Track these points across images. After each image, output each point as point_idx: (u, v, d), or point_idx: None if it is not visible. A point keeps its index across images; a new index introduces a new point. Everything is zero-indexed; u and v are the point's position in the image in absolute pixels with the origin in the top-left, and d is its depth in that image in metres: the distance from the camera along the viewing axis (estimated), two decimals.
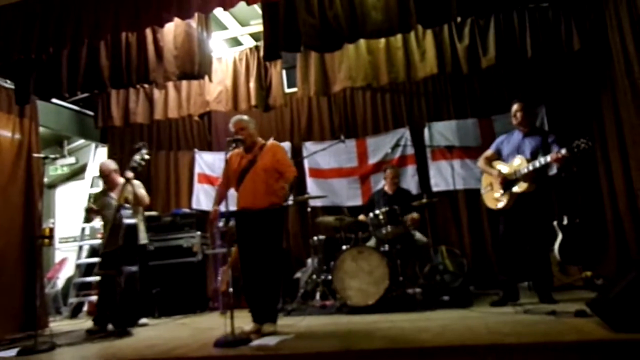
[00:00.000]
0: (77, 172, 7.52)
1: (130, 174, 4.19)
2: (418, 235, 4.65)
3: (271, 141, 3.58)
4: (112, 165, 4.64)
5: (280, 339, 2.93)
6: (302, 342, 2.88)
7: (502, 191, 3.88)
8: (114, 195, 4.45)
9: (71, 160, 7.53)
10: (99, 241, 5.91)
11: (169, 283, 5.17)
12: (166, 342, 3.23)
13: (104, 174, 4.57)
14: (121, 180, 4.32)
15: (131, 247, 4.08)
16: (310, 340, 2.92)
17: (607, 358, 2.21)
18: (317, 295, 4.76)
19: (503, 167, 3.94)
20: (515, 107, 3.97)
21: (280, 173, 3.40)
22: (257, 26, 5.17)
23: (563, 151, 3.52)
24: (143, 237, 4.58)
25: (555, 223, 4.53)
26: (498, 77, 5.45)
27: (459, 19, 4.41)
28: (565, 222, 4.51)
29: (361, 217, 4.92)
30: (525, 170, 3.73)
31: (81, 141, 7.29)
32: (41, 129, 5.47)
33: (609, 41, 4.06)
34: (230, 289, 3.10)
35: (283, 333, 3.16)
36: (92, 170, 6.94)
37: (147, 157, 4.24)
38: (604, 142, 4.71)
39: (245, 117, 3.59)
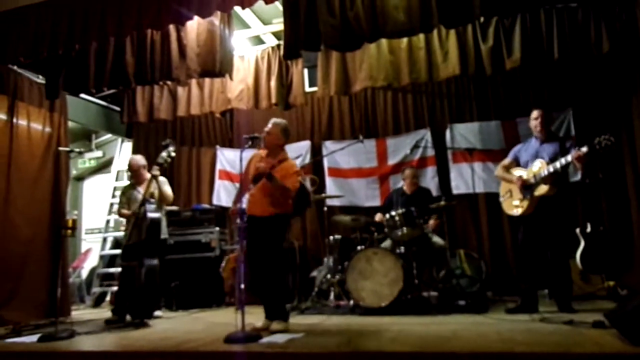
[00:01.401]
0: (104, 166, 7.76)
1: (156, 171, 4.31)
2: (435, 238, 4.59)
3: (290, 160, 3.64)
4: (142, 161, 4.75)
5: (290, 337, 2.95)
6: (311, 341, 2.89)
7: (521, 196, 3.79)
8: (140, 189, 4.56)
9: (98, 153, 7.77)
10: (122, 233, 6.06)
11: (187, 277, 5.26)
12: (179, 335, 3.30)
13: (133, 169, 4.69)
14: (148, 175, 4.42)
15: (154, 241, 4.17)
16: (320, 340, 2.93)
17: None
18: (332, 295, 4.76)
19: (522, 172, 3.86)
20: (535, 113, 3.88)
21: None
22: (280, 25, 5.17)
23: (584, 149, 3.43)
24: (164, 232, 4.70)
25: (578, 230, 4.40)
26: (523, 79, 5.32)
27: (482, 19, 4.33)
28: (588, 229, 4.36)
29: (378, 216, 4.88)
30: (546, 173, 3.64)
31: (108, 135, 7.51)
32: (70, 123, 5.68)
33: (639, 44, 3.92)
34: (242, 285, 3.13)
35: (293, 331, 3.18)
36: (118, 164, 7.14)
37: (173, 154, 4.34)
38: (632, 148, 4.55)
39: (282, 123, 3.65)
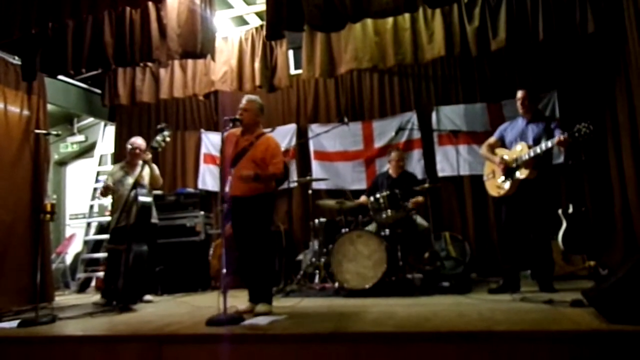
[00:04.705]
0: (86, 150, 7.62)
1: (149, 155, 4.29)
2: (419, 220, 4.60)
3: (267, 135, 3.59)
4: (143, 144, 4.69)
5: (272, 319, 2.94)
6: (294, 323, 2.88)
7: (503, 178, 3.81)
8: (131, 173, 4.54)
9: (81, 138, 7.63)
10: (107, 218, 6.01)
11: (172, 261, 5.22)
12: (162, 319, 3.28)
13: (137, 150, 4.62)
14: (140, 161, 4.42)
15: (143, 226, 4.15)
16: (302, 322, 2.92)
17: (598, 349, 2.16)
18: (317, 278, 4.78)
19: (505, 154, 3.86)
20: (519, 94, 3.88)
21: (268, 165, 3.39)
22: (263, 5, 5.06)
23: (565, 135, 3.44)
24: (154, 216, 4.67)
25: (560, 211, 4.44)
26: (508, 60, 5.30)
27: None
28: (570, 210, 4.41)
29: (362, 198, 4.88)
30: (526, 157, 3.65)
31: (91, 119, 7.37)
32: (51, 107, 5.54)
33: (624, 24, 3.90)
34: (224, 270, 3.10)
35: (276, 313, 3.18)
36: (101, 148, 7.03)
37: (168, 138, 4.30)
38: (615, 129, 4.58)
39: (258, 100, 3.58)
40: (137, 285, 4.03)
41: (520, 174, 3.70)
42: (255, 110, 3.52)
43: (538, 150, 3.59)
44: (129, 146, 4.70)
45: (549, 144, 3.53)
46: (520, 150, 3.73)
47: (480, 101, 5.47)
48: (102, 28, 4.26)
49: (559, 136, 3.48)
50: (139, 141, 4.72)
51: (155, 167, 4.58)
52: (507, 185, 3.78)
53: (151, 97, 5.66)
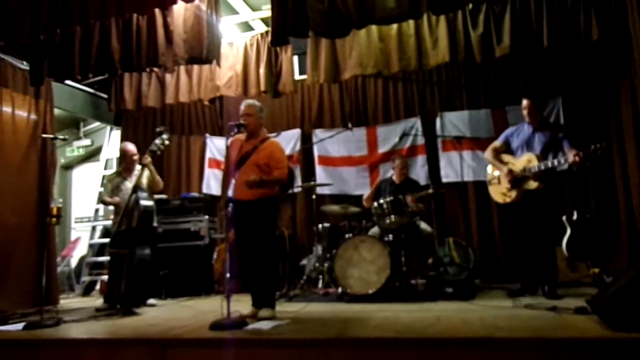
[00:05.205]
0: (92, 154, 7.68)
1: (148, 159, 4.30)
2: (423, 225, 4.60)
3: (272, 139, 3.62)
4: (134, 149, 4.71)
5: (275, 324, 2.96)
6: (297, 328, 2.89)
7: (509, 186, 3.80)
8: (129, 178, 4.55)
9: (87, 142, 7.69)
10: (111, 222, 6.04)
11: (176, 265, 5.24)
12: (165, 323, 3.30)
13: (128, 155, 4.64)
14: (138, 165, 4.44)
15: (146, 230, 4.17)
16: (305, 327, 2.94)
17: (602, 357, 2.16)
18: (320, 283, 4.78)
19: (511, 162, 3.86)
20: (524, 103, 3.88)
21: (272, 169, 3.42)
22: (268, 11, 5.10)
23: (579, 156, 3.44)
24: (154, 220, 4.69)
25: (564, 218, 4.43)
26: (513, 66, 5.30)
27: (470, 6, 4.30)
28: (574, 217, 4.40)
29: (366, 196, 4.87)
30: (536, 169, 3.64)
31: (97, 124, 7.42)
32: (58, 111, 5.59)
33: (629, 31, 3.90)
34: (228, 274, 3.12)
35: (279, 318, 3.19)
36: (107, 152, 7.08)
37: (167, 142, 4.33)
38: (620, 135, 4.57)
39: (257, 103, 3.61)
40: (141, 289, 4.05)
41: (528, 186, 3.70)
42: (256, 113, 3.55)
43: (549, 164, 3.58)
44: (123, 153, 4.69)
45: (562, 160, 3.53)
46: (529, 161, 3.72)
47: (484, 107, 5.48)
48: (109, 34, 4.31)
49: (573, 157, 3.47)
50: (130, 147, 4.72)
51: (154, 170, 4.56)
52: (513, 194, 3.78)
53: (157, 101, 5.70)
